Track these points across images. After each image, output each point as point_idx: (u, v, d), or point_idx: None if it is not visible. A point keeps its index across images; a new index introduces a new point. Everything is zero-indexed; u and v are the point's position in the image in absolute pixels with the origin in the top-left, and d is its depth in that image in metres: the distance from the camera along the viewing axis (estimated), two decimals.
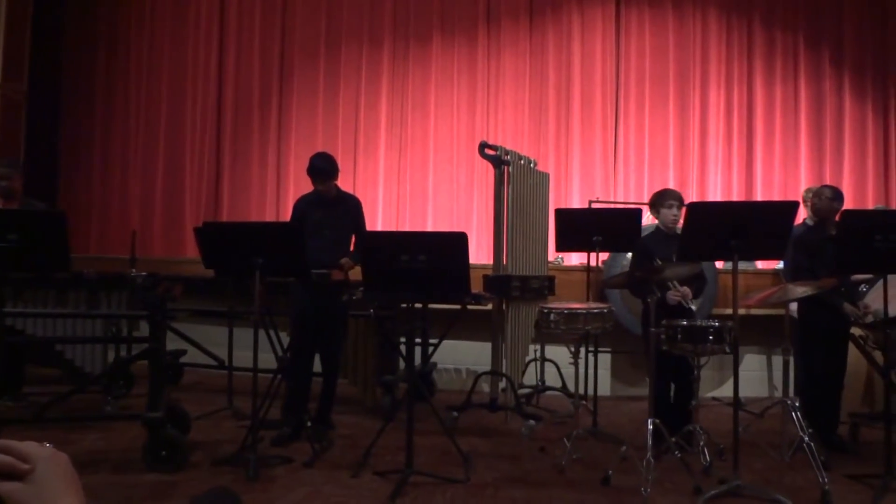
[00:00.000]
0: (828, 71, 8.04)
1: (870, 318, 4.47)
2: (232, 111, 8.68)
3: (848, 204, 5.45)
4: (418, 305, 4.51)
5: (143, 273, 4.41)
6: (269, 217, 8.36)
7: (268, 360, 4.67)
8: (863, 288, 4.83)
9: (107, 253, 8.11)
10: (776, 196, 7.80)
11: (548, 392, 5.97)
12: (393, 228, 8.09)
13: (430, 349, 5.62)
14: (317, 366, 4.88)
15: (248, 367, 4.26)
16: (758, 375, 6.53)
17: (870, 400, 5.48)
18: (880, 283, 4.06)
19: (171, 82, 8.73)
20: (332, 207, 4.83)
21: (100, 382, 5.04)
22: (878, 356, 4.68)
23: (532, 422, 5.05)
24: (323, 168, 4.73)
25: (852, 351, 4.81)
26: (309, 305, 4.67)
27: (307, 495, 3.73)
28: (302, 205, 4.92)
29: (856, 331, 4.80)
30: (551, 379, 6.06)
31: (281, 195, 8.52)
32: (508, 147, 5.58)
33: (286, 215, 7.62)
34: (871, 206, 7.61)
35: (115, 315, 4.92)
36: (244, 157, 8.64)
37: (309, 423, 4.57)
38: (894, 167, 8.00)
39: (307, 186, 4.93)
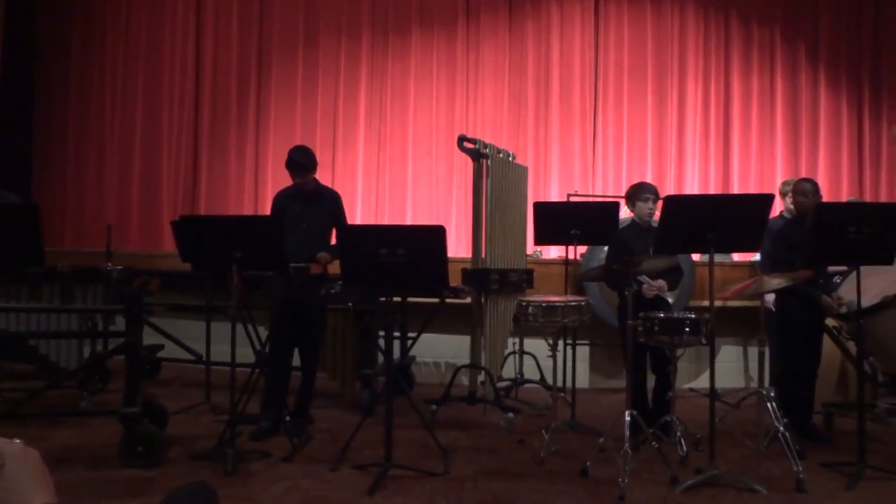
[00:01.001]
0: (803, 65, 8.13)
1: (844, 309, 4.52)
2: (209, 104, 8.61)
3: (823, 196, 5.52)
4: (397, 299, 4.50)
5: (119, 267, 4.36)
6: (248, 211, 8.32)
7: (246, 354, 4.64)
8: (836, 279, 4.89)
9: (82, 247, 8.02)
10: (752, 189, 7.87)
11: (526, 385, 5.99)
12: (372, 222, 8.08)
13: (409, 343, 5.63)
14: (295, 360, 4.87)
15: (226, 362, 4.23)
16: (734, 366, 6.60)
17: (843, 390, 5.57)
18: (854, 274, 4.11)
19: (147, 75, 8.65)
20: (310, 201, 4.81)
21: (75, 378, 4.99)
22: (851, 346, 4.74)
23: (511, 414, 5.07)
24: (301, 162, 4.70)
25: (826, 341, 4.87)
26: (287, 299, 4.65)
27: (286, 489, 3.72)
28: (281, 198, 4.89)
29: (830, 322, 4.87)
30: (530, 372, 6.09)
31: (259, 189, 8.48)
32: (487, 140, 5.58)
33: (265, 209, 7.59)
34: (844, 198, 7.71)
35: (91, 309, 4.85)
36: (222, 150, 8.58)
37: (287, 418, 4.55)
38: (868, 160, 8.11)
39: (286, 180, 4.90)
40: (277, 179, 7.67)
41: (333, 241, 4.80)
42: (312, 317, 4.77)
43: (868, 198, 7.91)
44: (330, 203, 4.90)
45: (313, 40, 8.50)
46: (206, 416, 5.11)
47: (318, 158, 4.95)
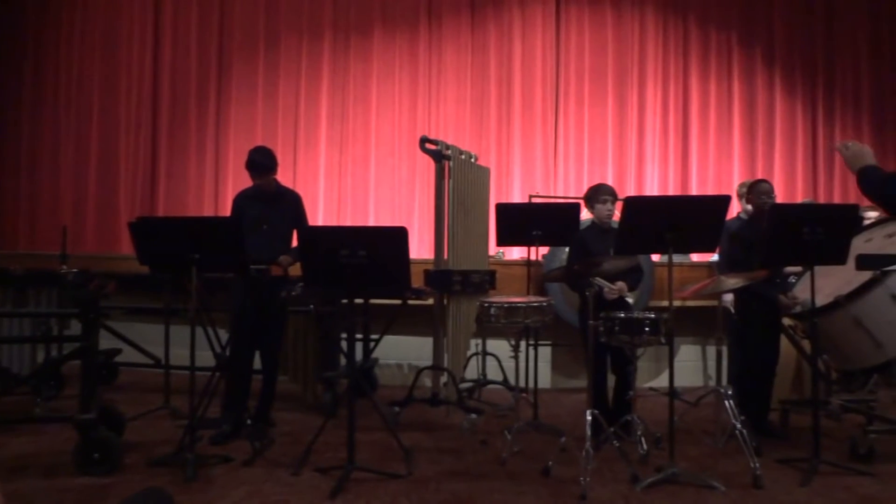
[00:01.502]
0: (760, 70, 8.30)
1: (798, 309, 4.61)
2: (168, 104, 8.47)
3: (778, 197, 5.63)
4: (359, 301, 4.48)
5: (75, 270, 4.28)
6: (208, 212, 8.21)
7: (206, 357, 4.58)
8: (792, 279, 4.99)
9: (36, 249, 7.85)
10: (710, 190, 8.01)
11: (489, 386, 6.01)
12: (334, 223, 8.04)
13: (372, 345, 5.60)
14: (256, 363, 4.82)
15: (186, 366, 4.17)
16: (693, 365, 6.70)
17: (799, 387, 5.68)
18: (808, 274, 4.20)
19: (103, 72, 8.48)
20: (271, 202, 4.77)
21: (29, 384, 4.88)
22: (806, 345, 4.84)
23: (473, 415, 5.08)
24: (261, 162, 4.67)
25: (782, 340, 4.97)
26: (248, 302, 4.60)
27: (247, 494, 3.68)
28: (241, 200, 4.85)
29: (785, 321, 4.96)
30: (492, 372, 6.10)
31: (220, 190, 8.37)
32: (450, 142, 5.58)
33: (225, 210, 7.50)
34: (800, 199, 7.88)
35: (45, 313, 4.76)
36: (181, 150, 8.46)
37: (249, 422, 4.50)
38: (822, 162, 8.31)
39: (246, 181, 4.85)
40: (238, 180, 7.58)
41: (295, 243, 4.76)
42: (273, 319, 4.73)
43: (822, 199, 8.10)
44: (291, 204, 4.87)
45: (274, 40, 8.42)
46: (164, 422, 5.03)
47: (280, 159, 4.92)
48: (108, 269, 5.86)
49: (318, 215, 8.17)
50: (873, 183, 2.50)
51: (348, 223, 8.05)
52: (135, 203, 8.35)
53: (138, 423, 4.86)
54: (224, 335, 4.94)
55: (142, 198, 8.41)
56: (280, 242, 4.74)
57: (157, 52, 8.48)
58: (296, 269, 4.50)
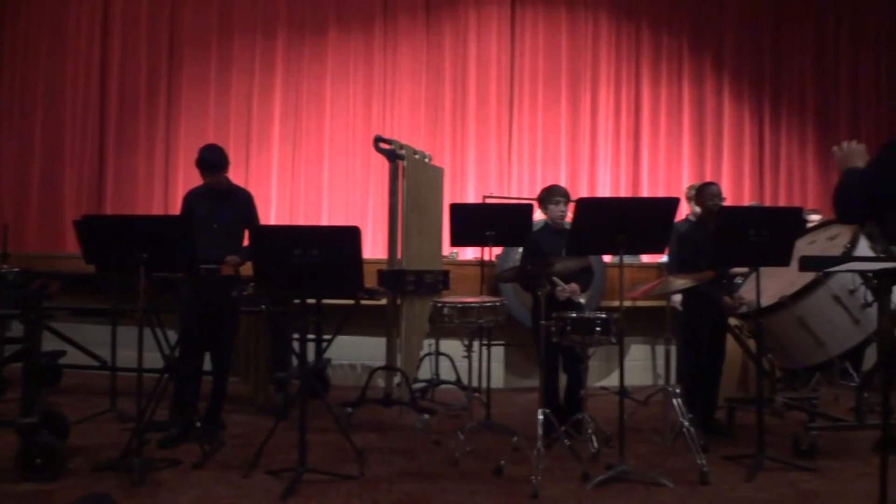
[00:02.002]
0: (709, 75, 8.50)
1: (744, 309, 4.72)
2: (117, 98, 8.29)
3: (726, 200, 5.74)
4: (311, 301, 4.44)
5: (16, 269, 4.16)
6: (157, 211, 8.06)
7: (154, 359, 4.50)
8: (738, 280, 5.10)
9: None
10: (661, 192, 8.17)
11: (442, 386, 6.02)
12: (287, 222, 7.96)
13: (324, 345, 5.56)
14: (206, 364, 4.74)
15: (133, 367, 4.08)
16: (642, 364, 6.81)
17: (744, 385, 5.82)
18: (754, 275, 4.30)
19: (49, 66, 8.26)
20: (221, 201, 4.70)
21: None
22: (751, 344, 4.96)
23: (426, 416, 5.08)
24: (211, 160, 4.60)
25: (728, 339, 5.08)
26: (197, 302, 4.53)
27: (196, 498, 3.62)
28: (191, 198, 4.78)
29: (732, 321, 5.07)
30: (445, 373, 6.11)
31: (170, 188, 8.22)
32: (404, 142, 5.57)
33: (175, 209, 7.35)
34: (747, 202, 8.07)
35: None
36: (130, 147, 8.28)
37: (198, 424, 4.44)
38: (768, 166, 8.53)
39: (197, 179, 4.78)
40: (189, 178, 7.45)
41: (246, 242, 4.71)
42: (224, 319, 4.66)
43: (768, 202, 8.32)
44: (241, 203, 4.81)
45: (227, 36, 8.30)
46: (111, 425, 4.92)
47: (232, 157, 4.85)
48: (51, 269, 5.71)
49: (271, 214, 8.09)
50: (839, 187, 2.48)
51: (301, 222, 7.98)
52: (81, 201, 8.15)
53: (83, 427, 4.75)
54: (173, 336, 4.86)
55: (88, 195, 8.21)
56: (230, 241, 4.68)
57: (105, 44, 8.29)
58: (248, 269, 4.45)
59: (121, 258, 3.93)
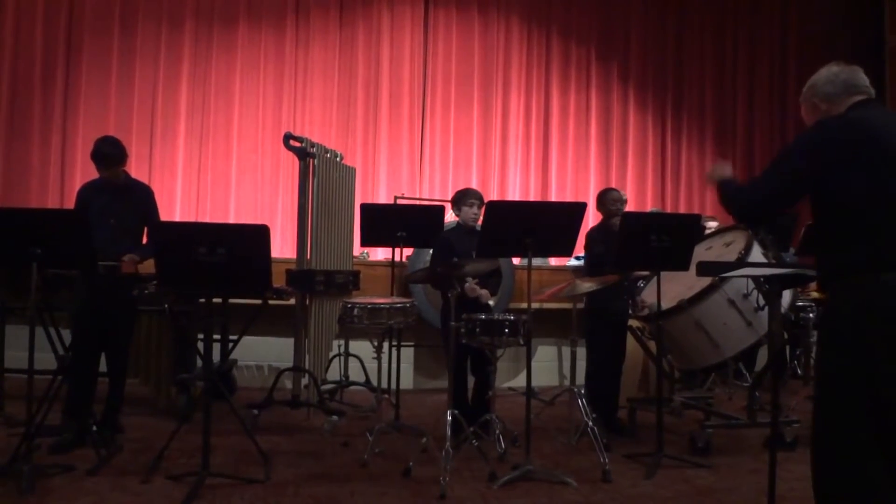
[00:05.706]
0: (615, 84, 8.76)
1: (646, 311, 4.87)
2: (8, 84, 7.81)
3: (629, 206, 5.96)
4: (217, 300, 4.33)
5: None
6: (53, 204, 7.65)
7: (46, 360, 4.26)
8: (640, 284, 5.27)
9: None
10: (569, 197, 8.37)
11: (351, 387, 5.97)
12: (193, 220, 7.71)
13: (230, 345, 5.41)
14: (102, 365, 4.55)
15: (23, 369, 3.87)
16: (549, 365, 6.95)
17: (645, 386, 6.02)
18: (655, 279, 4.44)
19: None
20: (118, 195, 4.52)
21: None
22: (652, 346, 5.13)
23: (335, 417, 5.03)
24: (108, 153, 4.42)
25: (630, 341, 5.25)
26: (92, 300, 4.33)
27: None
28: (86, 192, 4.58)
29: (633, 323, 5.24)
30: (355, 374, 6.07)
31: (66, 181, 7.82)
32: (315, 140, 5.50)
33: (72, 203, 7.02)
34: (649, 207, 8.36)
35: None
36: (23, 136, 7.82)
37: (94, 428, 4.24)
38: (670, 174, 8.86)
39: (96, 173, 4.57)
40: (87, 171, 7.05)
41: (146, 239, 4.54)
42: (120, 319, 4.48)
43: (669, 209, 8.63)
44: (140, 198, 4.63)
45: (130, 23, 7.97)
46: None
47: (135, 151, 4.69)
48: None
49: (176, 211, 7.83)
50: (728, 194, 2.65)
51: (208, 220, 7.75)
52: None
53: None
54: (67, 336, 4.62)
55: None
56: (129, 238, 4.50)
57: None
58: (148, 267, 4.29)
59: (11, 253, 3.72)
